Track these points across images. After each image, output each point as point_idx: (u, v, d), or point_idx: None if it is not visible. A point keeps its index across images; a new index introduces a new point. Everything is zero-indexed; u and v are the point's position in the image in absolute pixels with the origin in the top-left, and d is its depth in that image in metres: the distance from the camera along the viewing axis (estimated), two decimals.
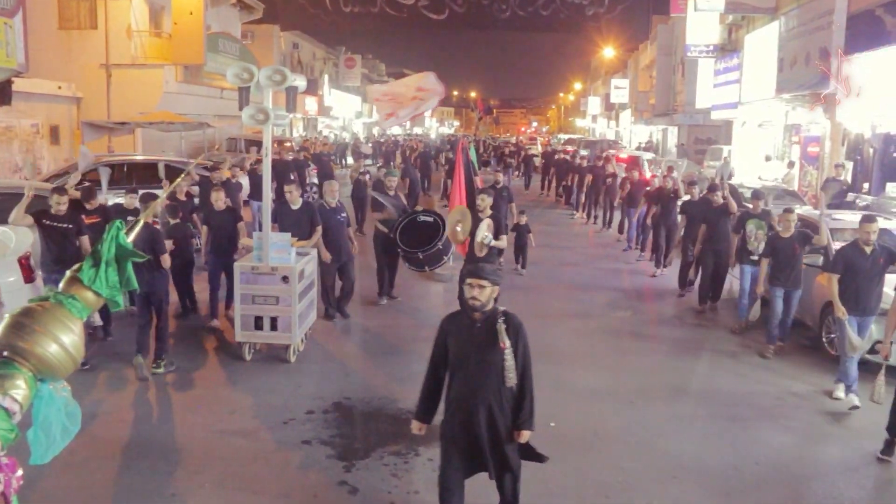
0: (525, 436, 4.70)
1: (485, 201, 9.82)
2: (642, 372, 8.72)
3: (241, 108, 8.24)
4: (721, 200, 11.28)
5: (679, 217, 12.94)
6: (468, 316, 4.71)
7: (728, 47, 31.49)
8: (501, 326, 4.54)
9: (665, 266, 13.97)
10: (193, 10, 24.96)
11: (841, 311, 8.01)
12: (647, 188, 16.17)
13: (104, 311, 9.21)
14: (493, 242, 9.08)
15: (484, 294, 4.60)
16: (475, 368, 4.62)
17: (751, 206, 10.75)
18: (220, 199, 9.92)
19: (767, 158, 25.59)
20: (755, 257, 10.12)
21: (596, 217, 20.57)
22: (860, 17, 19.61)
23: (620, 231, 17.84)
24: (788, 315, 9.54)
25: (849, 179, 18.47)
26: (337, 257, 10.19)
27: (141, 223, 3.16)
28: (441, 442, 4.82)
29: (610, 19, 33.41)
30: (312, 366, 8.59)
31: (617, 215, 18.57)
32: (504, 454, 4.68)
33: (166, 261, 8.43)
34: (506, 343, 4.50)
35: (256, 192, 14.05)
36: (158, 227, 9.27)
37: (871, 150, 18.45)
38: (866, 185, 18.25)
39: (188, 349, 9.09)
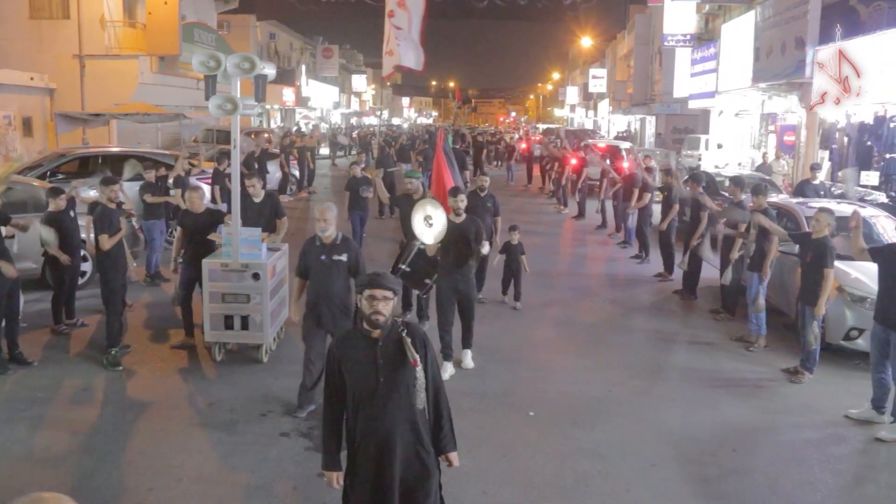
0: (454, 458, 4.14)
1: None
2: (620, 362, 8.77)
3: (207, 98, 7.77)
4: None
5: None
6: (365, 336, 3.96)
7: (705, 37, 31.69)
8: (407, 340, 3.89)
9: (645, 258, 14.18)
10: None
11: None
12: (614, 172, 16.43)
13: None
14: (485, 250, 8.03)
15: (388, 307, 3.91)
16: (386, 396, 3.90)
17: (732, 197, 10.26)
18: (197, 199, 8.79)
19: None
20: (747, 259, 9.31)
21: (579, 209, 20.08)
22: (835, 6, 19.79)
23: (617, 229, 17.13)
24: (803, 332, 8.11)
25: (824, 180, 18.50)
26: (314, 315, 6.83)
27: None
28: (348, 496, 4.09)
29: (588, 8, 33.33)
30: (288, 362, 8.43)
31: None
32: (431, 493, 4.00)
33: (104, 242, 8.17)
34: (416, 358, 3.87)
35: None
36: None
37: (845, 139, 18.64)
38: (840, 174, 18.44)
39: (162, 345, 9.01)
